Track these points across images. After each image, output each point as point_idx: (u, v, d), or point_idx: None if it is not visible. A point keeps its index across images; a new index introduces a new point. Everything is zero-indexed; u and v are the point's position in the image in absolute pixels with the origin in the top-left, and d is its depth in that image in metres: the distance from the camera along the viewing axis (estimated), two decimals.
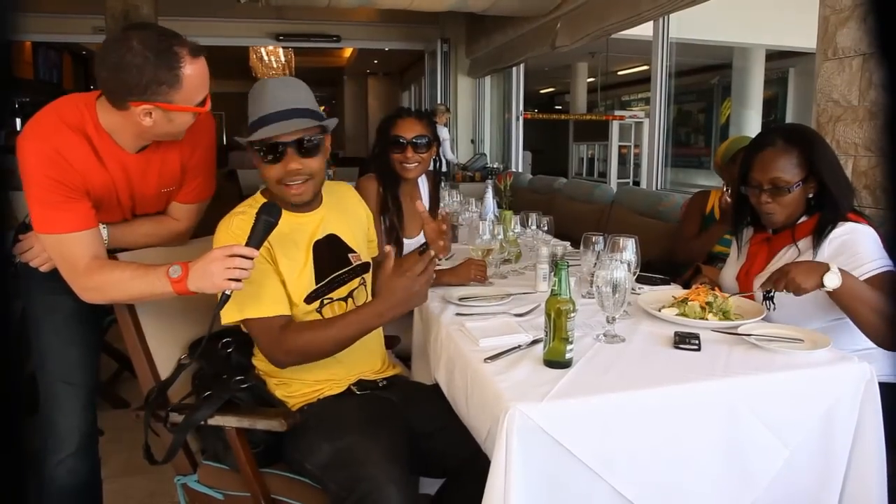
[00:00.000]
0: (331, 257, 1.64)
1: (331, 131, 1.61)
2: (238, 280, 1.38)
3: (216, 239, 1.54)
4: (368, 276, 1.74)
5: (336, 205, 1.71)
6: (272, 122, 1.49)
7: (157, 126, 1.45)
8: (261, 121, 1.50)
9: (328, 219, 1.66)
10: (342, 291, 1.64)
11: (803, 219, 1.76)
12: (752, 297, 1.75)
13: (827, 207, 1.71)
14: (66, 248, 1.46)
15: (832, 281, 1.50)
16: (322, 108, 1.65)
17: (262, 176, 1.57)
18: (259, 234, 1.42)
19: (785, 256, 1.77)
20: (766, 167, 1.73)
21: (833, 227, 1.67)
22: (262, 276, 1.50)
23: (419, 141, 2.33)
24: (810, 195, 1.74)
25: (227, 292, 1.40)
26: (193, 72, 1.42)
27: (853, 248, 1.63)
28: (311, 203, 1.63)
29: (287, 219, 1.55)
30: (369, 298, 1.70)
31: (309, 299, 1.58)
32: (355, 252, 1.69)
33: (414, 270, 1.46)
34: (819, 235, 1.69)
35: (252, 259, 1.40)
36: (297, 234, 1.60)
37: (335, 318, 1.55)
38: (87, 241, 1.47)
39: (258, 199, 1.60)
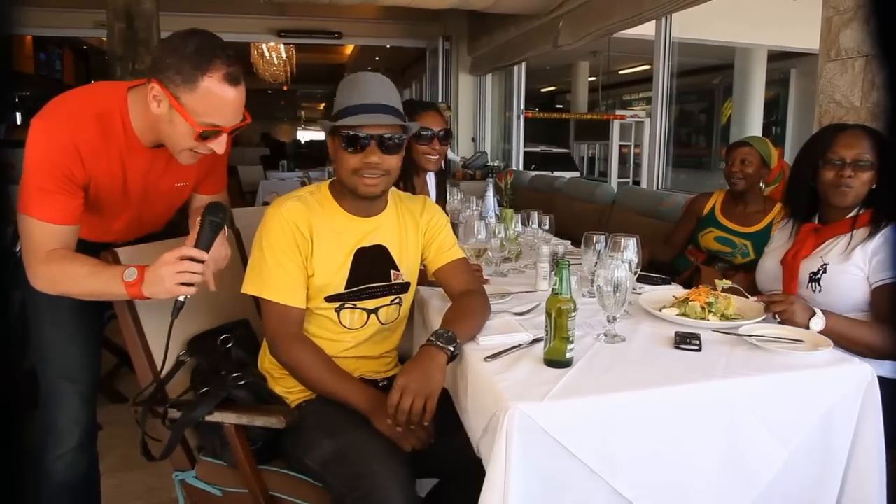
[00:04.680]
0: (371, 267, 1.61)
1: (410, 135, 1.61)
2: (191, 285, 1.37)
3: (264, 224, 1.54)
4: (406, 297, 1.70)
5: (399, 217, 1.68)
6: (362, 112, 1.50)
7: (161, 121, 1.42)
8: (350, 109, 1.51)
9: (383, 229, 1.64)
10: (370, 303, 1.62)
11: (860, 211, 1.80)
12: (793, 288, 1.79)
13: (884, 204, 1.74)
14: (36, 232, 1.42)
15: (816, 324, 1.58)
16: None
17: (335, 164, 1.58)
18: (206, 236, 1.43)
19: (834, 244, 1.80)
20: (853, 143, 1.80)
21: (889, 223, 1.72)
22: (292, 264, 1.51)
23: (443, 134, 2.43)
24: (872, 185, 1.78)
25: (181, 299, 1.40)
26: (217, 91, 1.38)
27: (888, 250, 1.67)
28: (372, 208, 1.62)
29: (340, 219, 1.59)
30: (401, 319, 1.70)
31: (331, 299, 1.58)
32: (399, 270, 1.66)
33: (406, 429, 1.38)
34: (876, 226, 1.73)
35: (203, 262, 1.39)
36: (345, 235, 1.59)
37: (338, 370, 1.53)
38: (59, 234, 1.44)
39: (322, 188, 1.62)
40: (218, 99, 1.39)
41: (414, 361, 1.41)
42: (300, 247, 1.52)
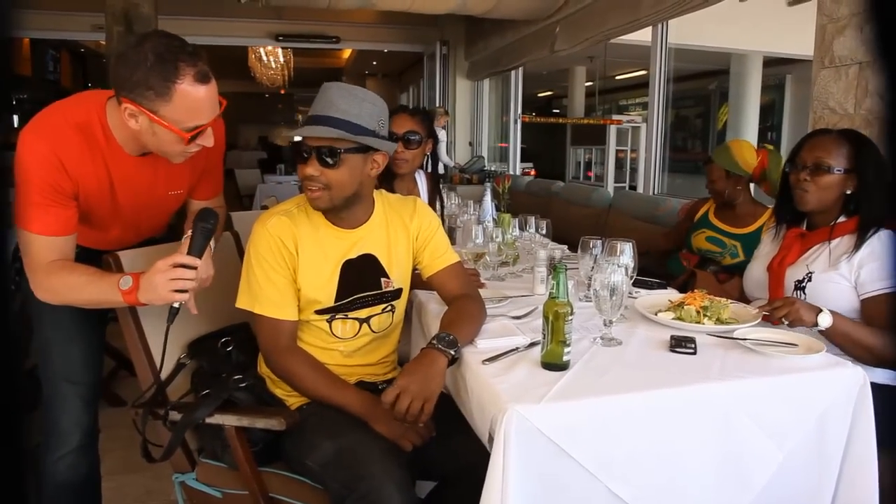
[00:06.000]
0: (360, 277, 1.61)
1: (387, 151, 1.55)
2: (184, 291, 1.39)
3: (252, 240, 1.55)
4: (399, 304, 1.69)
5: (387, 223, 1.66)
6: (310, 123, 1.48)
7: (143, 135, 1.43)
8: (306, 120, 1.51)
9: (370, 238, 1.62)
10: (361, 313, 1.62)
11: (842, 219, 1.79)
12: (779, 295, 1.78)
13: (868, 209, 1.74)
14: (35, 246, 1.45)
15: (825, 320, 1.59)
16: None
17: None
18: (199, 242, 1.45)
19: (819, 252, 1.80)
20: (814, 148, 1.81)
21: (877, 230, 1.71)
22: (281, 278, 1.52)
23: (410, 137, 2.44)
24: (849, 191, 1.77)
25: (176, 305, 1.41)
26: (190, 94, 1.37)
27: (882, 259, 1.67)
28: (355, 219, 1.60)
29: (325, 232, 1.58)
30: (394, 325, 1.70)
31: (321, 312, 1.58)
32: (389, 278, 1.65)
33: (405, 426, 1.41)
34: (863, 234, 1.72)
35: (195, 268, 1.40)
36: (331, 248, 1.59)
37: (333, 377, 1.54)
38: (56, 245, 1.46)
39: (304, 198, 1.58)
40: (194, 102, 1.39)
41: (415, 363, 1.42)
42: (287, 261, 1.53)
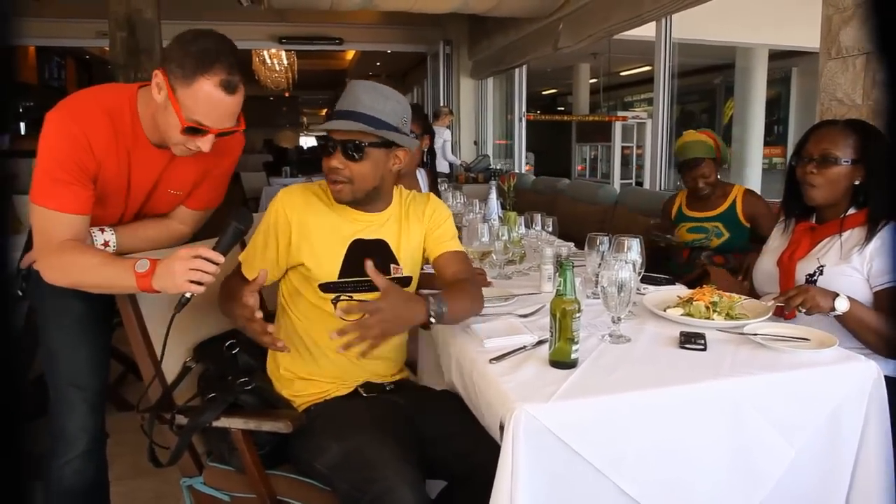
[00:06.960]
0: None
1: (408, 147, 1.60)
2: (200, 283, 1.38)
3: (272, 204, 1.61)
4: (408, 291, 1.69)
5: (403, 215, 1.69)
6: (335, 118, 1.52)
7: (158, 109, 1.47)
8: (331, 115, 1.54)
9: (385, 224, 1.65)
10: (367, 296, 1.61)
11: (852, 210, 1.77)
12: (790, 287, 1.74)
13: (877, 200, 1.71)
14: (50, 223, 1.46)
15: (842, 304, 1.57)
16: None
17: None
18: (228, 240, 1.45)
19: (829, 245, 1.77)
20: (821, 140, 1.78)
21: (888, 221, 1.68)
22: (261, 242, 1.59)
23: None
24: (857, 182, 1.75)
25: (187, 295, 1.40)
26: (209, 94, 1.42)
27: (889, 253, 1.64)
28: (370, 206, 1.62)
29: (340, 210, 1.61)
30: None
31: (325, 289, 1.59)
32: (398, 264, 1.66)
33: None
34: (874, 226, 1.70)
35: (218, 264, 1.40)
36: (344, 225, 1.61)
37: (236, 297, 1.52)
38: (72, 224, 1.47)
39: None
40: (209, 101, 1.43)
41: (403, 302, 1.43)
42: (279, 230, 1.57)
